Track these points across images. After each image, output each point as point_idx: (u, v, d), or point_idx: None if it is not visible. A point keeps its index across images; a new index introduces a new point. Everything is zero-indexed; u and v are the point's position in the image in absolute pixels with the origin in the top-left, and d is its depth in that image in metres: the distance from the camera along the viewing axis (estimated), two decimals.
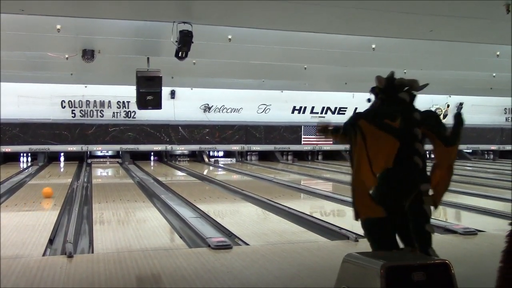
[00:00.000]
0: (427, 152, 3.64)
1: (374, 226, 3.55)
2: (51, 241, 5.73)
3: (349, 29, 8.89)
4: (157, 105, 10.93)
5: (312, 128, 20.44)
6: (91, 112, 18.49)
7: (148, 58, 10.64)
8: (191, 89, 18.64)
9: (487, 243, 5.50)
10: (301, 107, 20.41)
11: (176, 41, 8.26)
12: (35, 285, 3.98)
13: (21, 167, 16.94)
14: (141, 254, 4.97)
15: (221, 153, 20.51)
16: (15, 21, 8.09)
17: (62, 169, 16.87)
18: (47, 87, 17.27)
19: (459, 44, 10.20)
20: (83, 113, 18.39)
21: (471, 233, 5.93)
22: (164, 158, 19.52)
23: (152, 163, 18.97)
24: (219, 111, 19.65)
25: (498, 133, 22.40)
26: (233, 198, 9.51)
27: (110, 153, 19.56)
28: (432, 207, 3.53)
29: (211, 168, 17.49)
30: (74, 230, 6.20)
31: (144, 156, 19.35)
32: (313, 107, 20.46)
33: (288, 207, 7.92)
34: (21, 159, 18.45)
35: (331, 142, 20.55)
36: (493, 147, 22.45)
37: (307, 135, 20.53)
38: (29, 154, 18.42)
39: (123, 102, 18.61)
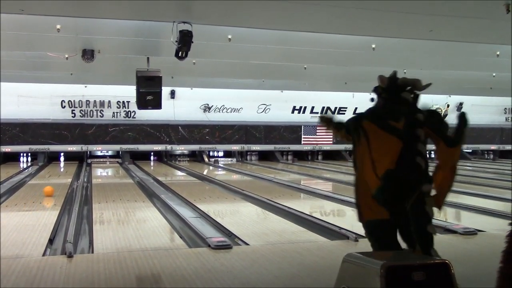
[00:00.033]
0: (429, 152, 3.62)
1: (377, 228, 3.54)
2: (51, 241, 5.73)
3: (349, 29, 8.89)
4: (157, 105, 10.93)
5: (312, 128, 20.45)
6: (91, 112, 18.49)
7: (148, 58, 10.64)
8: (191, 89, 18.64)
9: (487, 243, 5.50)
10: (301, 107, 20.41)
11: (176, 41, 8.26)
12: (35, 285, 3.98)
13: (21, 167, 16.94)
14: (141, 254, 4.97)
15: (221, 153, 20.51)
16: (15, 21, 8.09)
17: (62, 169, 16.87)
18: (47, 87, 17.28)
19: (459, 44, 10.19)
20: (83, 113, 18.39)
21: (471, 233, 5.93)
22: (164, 158, 19.52)
23: (152, 163, 18.97)
24: (219, 111, 19.65)
25: (498, 133, 22.40)
26: (233, 198, 9.51)
27: (110, 153, 19.56)
28: (436, 209, 3.52)
29: (211, 168, 17.49)
30: (74, 230, 6.20)
31: (144, 156, 19.36)
32: (313, 107, 20.45)
33: (288, 207, 7.93)
34: (21, 159, 18.45)
35: (331, 142, 20.58)
36: (493, 147, 22.46)
37: (307, 135, 20.53)
38: (29, 154, 18.42)
39: (123, 102, 18.61)
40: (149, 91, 10.70)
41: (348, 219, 7.53)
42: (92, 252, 5.22)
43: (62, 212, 7.63)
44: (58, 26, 8.33)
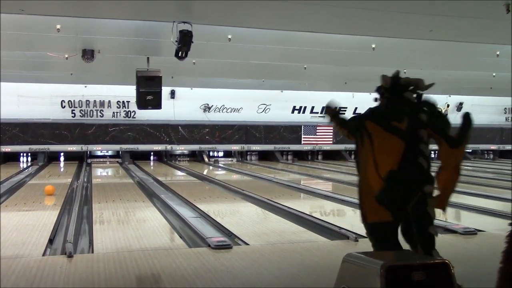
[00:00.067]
0: (431, 152, 3.60)
1: (380, 230, 3.52)
2: (51, 241, 5.73)
3: (349, 29, 8.88)
4: (157, 105, 10.93)
5: (312, 128, 20.45)
6: (91, 112, 18.49)
7: (148, 58, 10.64)
8: (191, 89, 18.63)
9: (487, 243, 5.50)
10: (301, 107, 20.41)
11: (176, 41, 8.26)
12: (35, 285, 3.98)
13: (21, 167, 16.94)
14: (141, 254, 4.97)
15: (221, 153, 20.51)
16: (15, 21, 8.09)
17: (62, 169, 16.87)
18: (47, 87, 17.26)
19: (459, 44, 10.19)
20: (83, 113, 18.39)
21: (471, 232, 5.94)
22: (164, 158, 19.52)
23: (151, 163, 18.97)
24: (219, 111, 19.65)
25: (498, 133, 22.41)
26: (233, 198, 9.51)
27: (110, 153, 19.56)
28: (441, 210, 3.51)
29: (211, 168, 17.49)
30: (74, 230, 6.20)
31: (144, 156, 19.38)
32: (313, 107, 20.45)
33: (288, 207, 7.93)
34: (21, 159, 18.45)
35: (331, 142, 20.58)
36: (493, 146, 22.46)
37: (307, 135, 20.53)
38: (29, 154, 18.42)
39: (123, 102, 18.60)
40: (149, 91, 10.70)
41: (348, 219, 7.53)
42: (92, 252, 5.22)
43: (62, 212, 7.64)
44: (58, 26, 8.33)
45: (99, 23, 8.56)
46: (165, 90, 15.15)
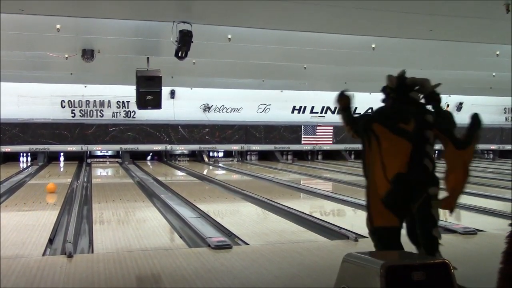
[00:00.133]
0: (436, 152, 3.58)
1: (384, 235, 3.51)
2: (51, 241, 5.73)
3: (349, 29, 8.89)
4: (157, 105, 10.93)
5: (312, 128, 20.45)
6: (91, 112, 18.48)
7: (148, 58, 10.64)
8: (191, 88, 18.64)
9: (487, 243, 5.50)
10: (301, 107, 20.41)
11: (176, 41, 8.26)
12: (35, 285, 3.98)
13: (21, 167, 16.93)
14: (141, 254, 4.97)
15: (221, 153, 20.51)
16: (15, 21, 8.09)
17: (62, 169, 16.86)
18: (47, 87, 17.27)
19: (459, 44, 10.20)
20: (83, 113, 18.38)
21: (471, 232, 5.94)
22: (164, 157, 19.52)
23: (149, 163, 18.95)
24: (219, 111, 19.65)
25: (498, 133, 22.40)
26: (233, 198, 9.51)
27: (110, 153, 19.55)
28: (448, 211, 3.50)
29: (211, 167, 17.49)
30: (74, 230, 6.20)
31: (144, 156, 19.37)
32: (313, 107, 20.46)
33: (288, 207, 7.92)
34: (21, 159, 18.45)
35: (331, 142, 20.58)
36: (493, 146, 22.45)
37: (307, 135, 20.52)
38: (29, 154, 18.42)
39: (123, 102, 18.60)
40: (149, 91, 10.70)
41: (348, 219, 7.54)
42: (92, 252, 5.22)
43: (62, 212, 7.63)
44: (58, 26, 8.33)
45: (99, 23, 8.57)
46: (165, 90, 15.17)
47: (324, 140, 20.58)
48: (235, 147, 20.00)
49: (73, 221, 6.67)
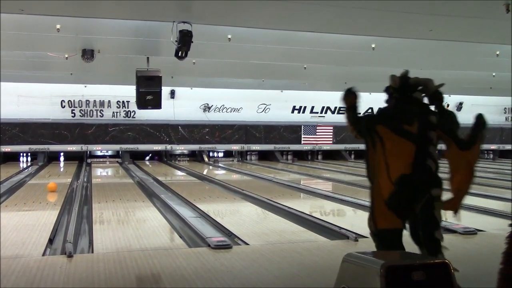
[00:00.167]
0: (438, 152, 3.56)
1: (387, 237, 3.51)
2: (51, 241, 5.73)
3: (349, 29, 8.89)
4: (157, 104, 10.94)
5: (312, 128, 20.45)
6: (91, 111, 18.49)
7: (148, 58, 10.64)
8: (191, 88, 18.64)
9: (487, 243, 5.50)
10: (301, 107, 20.41)
11: (176, 41, 8.26)
12: (35, 285, 3.98)
13: (21, 167, 16.93)
14: (141, 254, 4.97)
15: (221, 153, 20.51)
16: (15, 21, 8.09)
17: (62, 169, 16.86)
18: (47, 87, 17.28)
19: (459, 44, 10.19)
20: (82, 112, 18.39)
21: (471, 232, 5.93)
22: (164, 157, 19.52)
23: (147, 163, 18.95)
24: (219, 111, 19.65)
25: (498, 133, 22.40)
26: (233, 198, 9.51)
27: (110, 152, 19.55)
28: (452, 212, 3.49)
29: (210, 167, 17.49)
30: (74, 230, 6.20)
31: (144, 156, 19.36)
32: (313, 107, 20.46)
33: (288, 207, 7.92)
34: (21, 159, 18.45)
35: (331, 142, 20.58)
36: (493, 146, 22.44)
37: (307, 135, 20.52)
38: (29, 154, 18.42)
39: (123, 101, 18.60)
40: (149, 91, 10.71)
41: (348, 219, 7.54)
42: (92, 252, 5.22)
43: (62, 212, 7.63)
44: (58, 26, 8.33)
45: (99, 23, 8.57)
46: (165, 90, 15.16)
47: (324, 140, 20.58)
48: (235, 147, 20.00)
49: (73, 221, 6.67)
